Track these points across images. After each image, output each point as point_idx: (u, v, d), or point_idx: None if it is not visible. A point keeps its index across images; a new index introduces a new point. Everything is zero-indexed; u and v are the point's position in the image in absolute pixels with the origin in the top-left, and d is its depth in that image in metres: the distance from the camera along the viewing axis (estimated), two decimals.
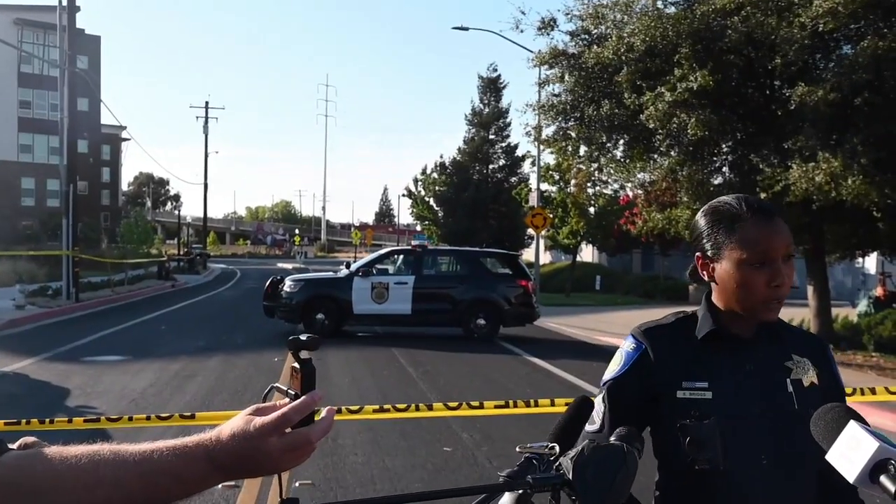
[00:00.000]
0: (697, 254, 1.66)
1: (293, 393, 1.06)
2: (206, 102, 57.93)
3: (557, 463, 1.20)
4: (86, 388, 9.35)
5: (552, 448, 1.22)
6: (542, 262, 29.73)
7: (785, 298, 1.59)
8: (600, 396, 1.67)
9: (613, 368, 1.67)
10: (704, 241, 1.63)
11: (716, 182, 13.78)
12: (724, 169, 14.02)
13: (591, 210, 30.33)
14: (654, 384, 1.59)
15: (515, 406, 4.10)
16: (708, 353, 1.61)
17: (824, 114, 10.87)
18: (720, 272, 1.61)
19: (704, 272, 1.65)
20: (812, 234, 12.93)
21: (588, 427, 1.65)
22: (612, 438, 1.24)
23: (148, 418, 4.10)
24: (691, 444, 1.51)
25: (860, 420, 1.17)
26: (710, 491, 1.54)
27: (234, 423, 1.04)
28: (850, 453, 1.09)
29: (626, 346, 1.68)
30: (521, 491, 1.17)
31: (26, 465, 1.02)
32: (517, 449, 1.28)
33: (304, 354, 1.07)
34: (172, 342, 13.90)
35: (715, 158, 13.82)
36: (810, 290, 13.96)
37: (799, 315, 14.91)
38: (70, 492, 1.00)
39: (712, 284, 1.65)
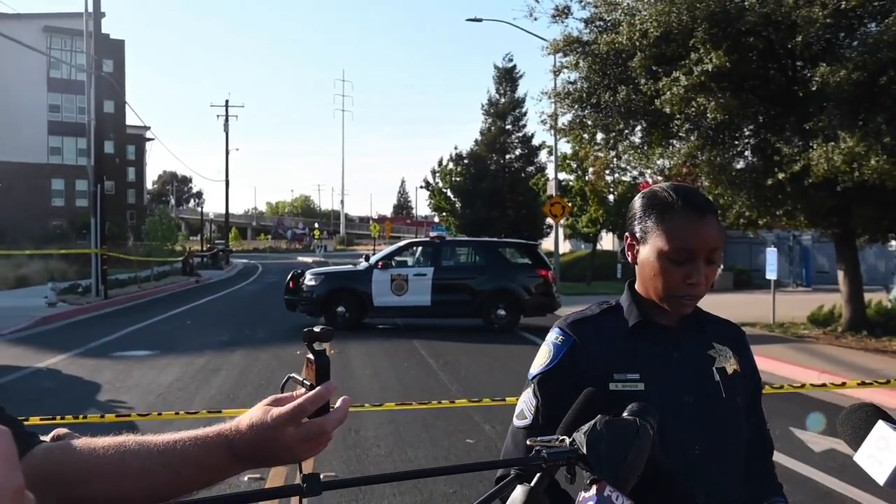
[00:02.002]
0: (626, 234, 1.64)
1: (308, 383, 1.08)
2: (226, 101, 57.99)
3: (571, 438, 1.21)
4: (115, 383, 9.52)
5: (562, 441, 1.23)
6: (561, 251, 29.62)
7: (700, 297, 1.56)
8: (529, 390, 1.63)
9: (542, 362, 1.63)
10: (636, 223, 1.61)
11: (737, 166, 13.60)
12: (747, 153, 13.84)
13: (611, 197, 30.15)
14: (585, 377, 1.53)
15: None
16: (636, 344, 1.59)
17: (848, 94, 10.68)
18: (642, 257, 1.59)
19: (630, 254, 1.63)
20: (840, 216, 12.68)
21: (518, 422, 1.63)
22: (624, 413, 1.24)
23: (176, 414, 4.19)
24: None
25: (889, 419, 1.13)
26: (647, 482, 1.46)
27: (252, 413, 1.07)
28: (879, 454, 1.07)
29: (552, 338, 1.64)
30: (534, 480, 1.18)
31: (56, 456, 1.07)
32: (528, 442, 1.30)
33: (318, 346, 1.10)
34: (197, 337, 14.06)
35: (736, 142, 13.63)
36: (840, 274, 13.65)
37: (830, 300, 14.73)
38: (98, 482, 1.05)
39: (636, 270, 1.63)
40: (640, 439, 1.19)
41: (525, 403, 1.63)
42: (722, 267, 26.42)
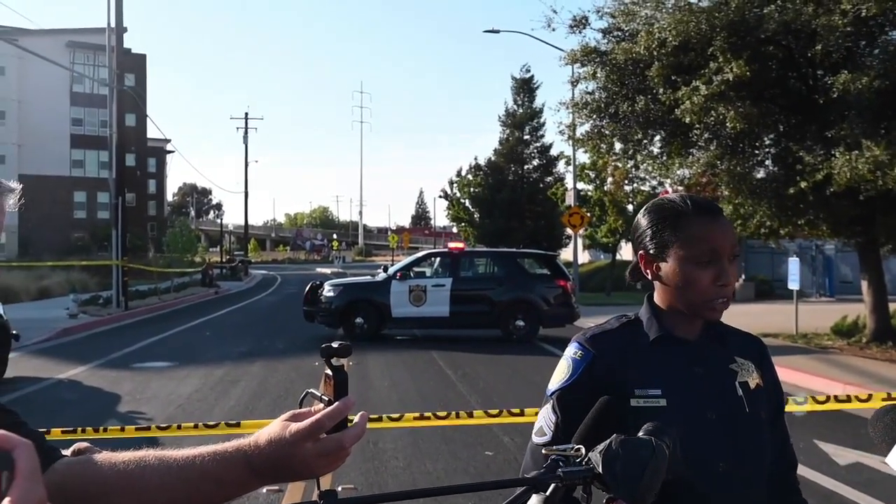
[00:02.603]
0: (640, 252, 1.61)
1: (327, 399, 1.08)
2: (246, 113, 58.92)
3: (587, 458, 1.21)
4: (135, 394, 9.58)
5: (578, 450, 1.23)
6: (580, 262, 29.53)
7: (730, 298, 1.55)
8: (549, 406, 1.60)
9: (561, 377, 1.60)
10: (647, 239, 1.58)
11: (758, 175, 13.50)
12: (767, 162, 13.75)
13: (630, 207, 30.04)
14: (606, 393, 1.49)
15: None
16: (657, 358, 1.56)
17: (870, 101, 10.60)
18: (665, 271, 1.56)
19: (648, 271, 1.60)
20: (864, 225, 12.56)
21: (537, 439, 1.59)
22: (640, 433, 1.24)
23: (196, 426, 4.20)
24: None
25: None
26: (671, 500, 1.43)
27: (271, 428, 1.07)
28: None
29: (571, 353, 1.61)
30: (549, 490, 1.18)
31: (77, 471, 1.07)
32: (543, 451, 1.30)
33: (336, 361, 1.09)
34: (216, 348, 14.13)
35: (756, 151, 13.55)
36: (864, 284, 13.52)
37: (854, 311, 14.55)
38: (118, 496, 1.06)
39: (655, 284, 1.61)
40: (656, 459, 1.19)
41: (544, 420, 1.60)
42: (743, 277, 26.21)
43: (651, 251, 1.58)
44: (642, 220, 1.61)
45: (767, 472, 1.58)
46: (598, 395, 1.50)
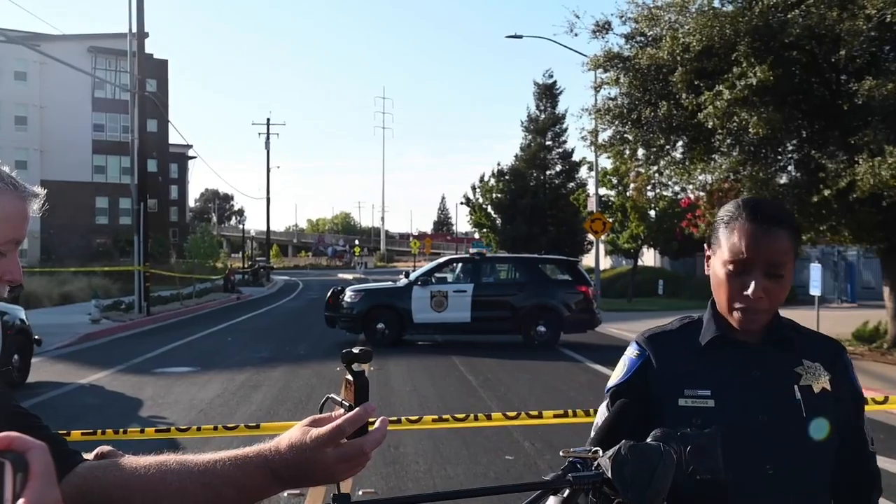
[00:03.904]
0: (706, 246, 1.64)
1: (347, 404, 1.08)
2: (268, 119, 59.03)
3: (596, 463, 1.23)
4: (157, 399, 9.64)
5: (595, 452, 1.25)
6: (602, 268, 29.42)
7: (760, 312, 1.53)
8: (604, 404, 1.65)
9: (617, 375, 1.66)
10: (711, 235, 1.61)
11: (780, 181, 13.42)
12: (790, 168, 13.66)
13: (652, 213, 29.90)
14: (656, 392, 1.56)
15: (575, 416, 4.08)
16: (712, 360, 1.57)
17: (895, 107, 10.51)
18: (710, 270, 1.59)
19: (707, 266, 1.63)
20: (886, 231, 12.48)
21: (593, 434, 1.64)
22: (648, 439, 1.26)
23: (215, 429, 4.21)
24: (692, 453, 1.49)
25: None
26: (715, 501, 1.49)
27: (291, 434, 1.07)
28: None
29: (629, 352, 1.66)
30: (566, 492, 1.20)
31: (99, 475, 1.08)
32: (560, 453, 1.31)
33: (357, 367, 1.10)
34: (238, 353, 14.21)
35: (779, 157, 13.47)
36: (886, 290, 13.42)
37: (876, 317, 14.42)
38: (139, 500, 1.06)
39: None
40: (664, 464, 1.22)
41: (600, 416, 1.65)
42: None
43: (710, 246, 1.61)
44: (717, 215, 1.63)
45: (834, 483, 1.55)
46: (651, 393, 1.56)
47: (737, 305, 1.52)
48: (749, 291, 1.50)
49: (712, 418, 1.50)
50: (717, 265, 1.56)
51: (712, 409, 1.52)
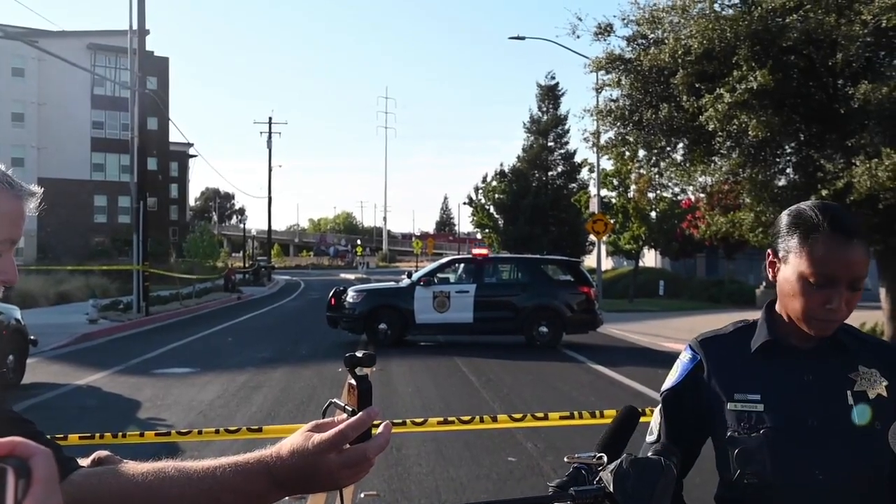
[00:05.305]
0: (769, 251, 1.61)
1: (350, 409, 1.07)
2: (270, 118, 58.87)
3: (598, 476, 1.23)
4: (156, 401, 9.58)
5: (600, 458, 1.25)
6: (604, 268, 29.42)
7: (839, 322, 1.52)
8: (658, 407, 1.66)
9: (670, 379, 1.66)
10: (779, 240, 1.56)
11: (779, 183, 13.50)
12: (788, 170, 13.74)
13: (653, 214, 29.94)
14: (708, 396, 1.57)
15: (580, 417, 4.05)
16: (763, 365, 1.57)
17: (890, 111, 10.63)
18: (782, 276, 1.55)
19: (771, 271, 1.60)
20: (883, 233, 12.54)
21: (647, 437, 1.65)
22: (649, 453, 1.26)
23: (217, 432, 4.17)
24: (739, 456, 1.49)
25: None
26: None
27: (293, 439, 1.06)
28: None
29: (683, 356, 1.67)
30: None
31: (95, 483, 1.06)
32: (565, 459, 1.31)
33: (360, 371, 1.08)
34: (239, 354, 14.17)
35: (778, 159, 13.56)
36: (882, 292, 13.51)
37: (872, 318, 14.40)
38: None
39: (776, 288, 1.60)
40: (665, 477, 1.23)
41: (654, 419, 1.67)
42: (764, 284, 25.93)
43: (778, 253, 1.57)
44: (782, 219, 1.59)
45: (894, 493, 1.53)
46: (703, 397, 1.56)
47: (816, 316, 1.50)
48: (833, 306, 1.48)
49: (761, 422, 1.50)
50: (792, 274, 1.52)
51: (761, 413, 1.52)
